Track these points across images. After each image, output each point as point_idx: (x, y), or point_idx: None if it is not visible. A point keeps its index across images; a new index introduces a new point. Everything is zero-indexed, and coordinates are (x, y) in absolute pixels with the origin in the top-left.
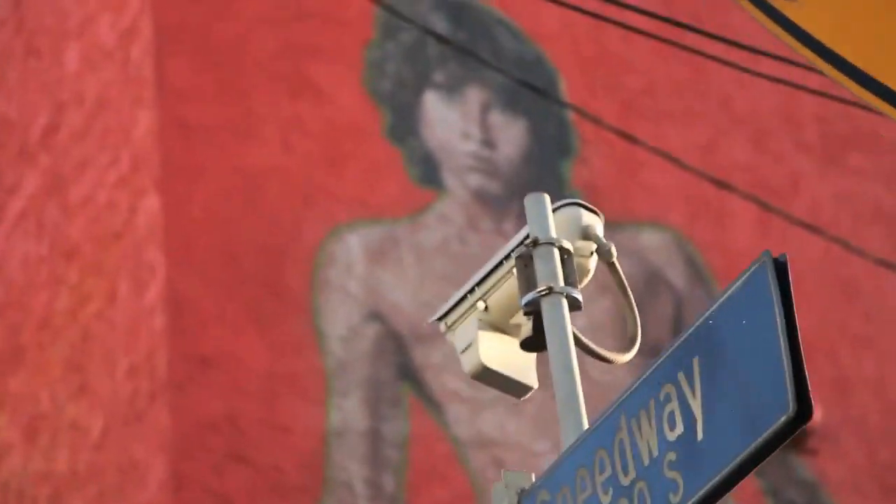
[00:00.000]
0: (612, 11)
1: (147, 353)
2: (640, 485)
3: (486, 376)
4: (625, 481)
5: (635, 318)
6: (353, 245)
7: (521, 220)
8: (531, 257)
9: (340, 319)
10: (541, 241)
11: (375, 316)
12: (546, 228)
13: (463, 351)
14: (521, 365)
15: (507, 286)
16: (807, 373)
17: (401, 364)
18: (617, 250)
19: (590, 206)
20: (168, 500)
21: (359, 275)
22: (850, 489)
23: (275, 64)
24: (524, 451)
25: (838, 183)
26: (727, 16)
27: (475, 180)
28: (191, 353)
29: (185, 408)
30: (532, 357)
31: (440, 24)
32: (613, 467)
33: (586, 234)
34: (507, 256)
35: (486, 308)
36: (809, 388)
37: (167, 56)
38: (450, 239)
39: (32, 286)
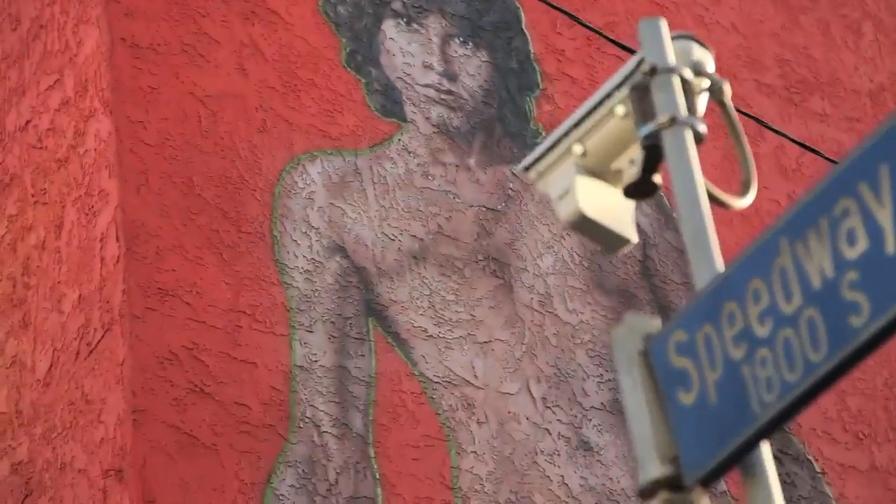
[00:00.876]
0: None
1: (99, 283)
2: (810, 311)
3: (583, 226)
4: (787, 309)
5: (749, 161)
6: (314, 175)
7: (485, 154)
8: (647, 87)
9: (302, 252)
10: (660, 69)
11: (338, 249)
12: (664, 55)
13: (559, 198)
14: (619, 216)
15: (608, 128)
16: None
17: (365, 300)
18: None
19: (700, 40)
20: (127, 436)
21: (320, 206)
22: (821, 437)
23: None
24: (493, 392)
25: (801, 127)
26: None
27: (437, 112)
28: (148, 284)
29: (144, 340)
30: (631, 208)
31: None
32: (772, 296)
33: (698, 70)
34: (609, 95)
35: (584, 153)
36: None
37: None
38: (413, 172)
39: None
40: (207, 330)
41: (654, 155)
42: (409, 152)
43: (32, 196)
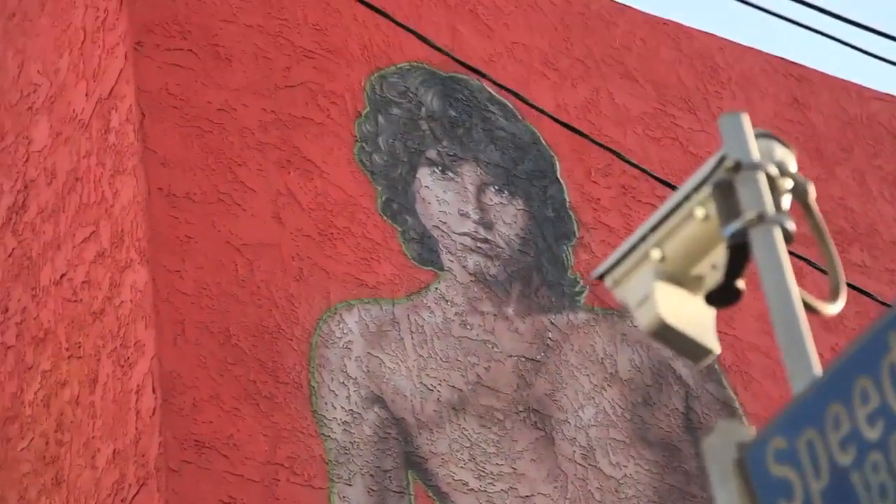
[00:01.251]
0: (605, 95)
1: (134, 437)
2: None
3: (664, 335)
4: None
5: (837, 265)
6: (352, 325)
7: (523, 303)
8: (731, 185)
9: (340, 403)
10: (745, 165)
11: (376, 399)
12: (748, 151)
13: (638, 305)
14: (701, 324)
15: (687, 232)
16: None
17: (405, 452)
18: (622, 340)
19: (781, 139)
20: None
21: (358, 356)
22: None
23: (263, 134)
24: None
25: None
26: (721, 101)
27: (474, 261)
28: (184, 436)
29: (180, 494)
30: (712, 317)
31: (434, 102)
32: (882, 395)
33: (781, 169)
34: (688, 197)
35: (663, 258)
36: None
37: (151, 123)
38: (451, 321)
39: None
40: (245, 483)
41: (739, 256)
42: (447, 301)
43: (67, 350)
